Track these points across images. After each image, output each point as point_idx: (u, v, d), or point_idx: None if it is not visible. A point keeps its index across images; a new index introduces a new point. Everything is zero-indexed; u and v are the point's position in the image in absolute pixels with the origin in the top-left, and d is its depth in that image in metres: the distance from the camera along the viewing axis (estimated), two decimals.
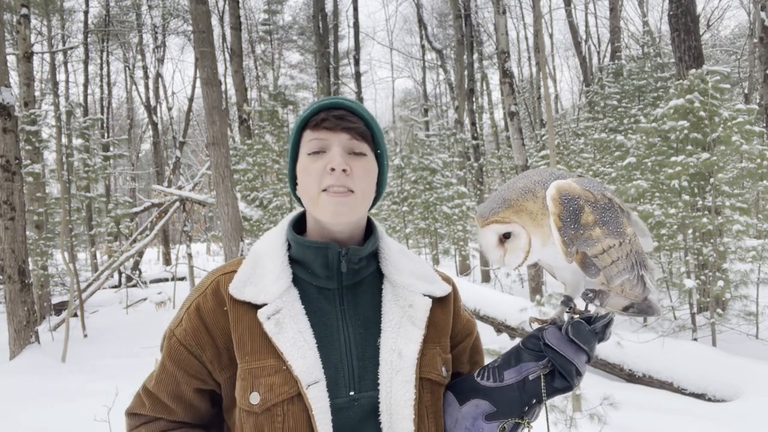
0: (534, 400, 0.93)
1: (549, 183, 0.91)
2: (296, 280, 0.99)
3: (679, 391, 5.19)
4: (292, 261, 1.01)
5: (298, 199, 1.04)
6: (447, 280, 1.12)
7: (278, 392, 0.91)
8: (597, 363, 5.62)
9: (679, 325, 6.70)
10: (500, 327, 6.24)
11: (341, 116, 0.97)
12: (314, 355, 0.92)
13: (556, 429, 3.41)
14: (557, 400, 3.55)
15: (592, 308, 0.95)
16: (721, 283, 6.17)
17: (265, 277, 0.98)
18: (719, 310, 6.41)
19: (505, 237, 0.92)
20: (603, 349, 5.52)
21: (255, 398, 0.91)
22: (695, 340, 6.42)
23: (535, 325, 0.99)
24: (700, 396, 5.10)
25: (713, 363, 5.31)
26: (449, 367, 1.04)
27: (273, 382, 0.91)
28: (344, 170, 0.94)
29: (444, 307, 1.07)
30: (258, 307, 0.95)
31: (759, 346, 6.42)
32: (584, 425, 3.52)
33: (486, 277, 13.77)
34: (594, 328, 0.92)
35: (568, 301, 0.97)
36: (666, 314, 7.35)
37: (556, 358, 0.91)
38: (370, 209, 1.05)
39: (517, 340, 1.02)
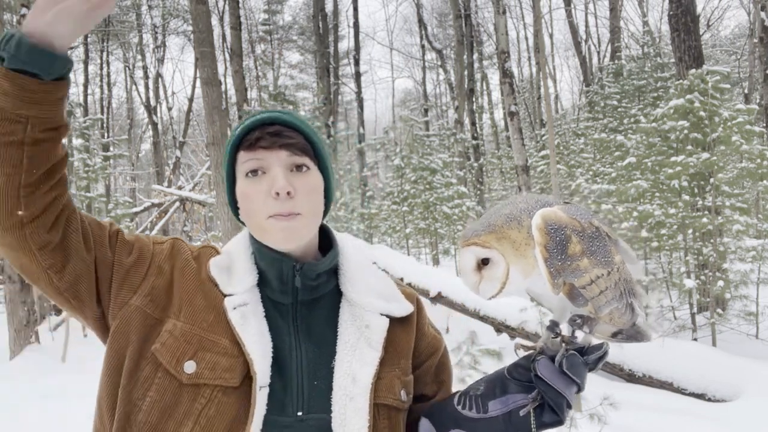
0: None
1: (535, 211, 0.87)
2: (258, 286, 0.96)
3: (679, 391, 5.19)
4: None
5: (242, 223, 0.99)
6: (410, 297, 1.07)
7: (218, 375, 0.85)
8: None
9: (679, 325, 6.70)
10: (500, 327, 6.24)
11: (277, 132, 0.91)
12: (270, 361, 0.88)
13: (556, 429, 3.41)
14: None
15: (580, 334, 0.91)
16: (721, 283, 6.18)
17: (236, 272, 0.95)
18: (719, 310, 6.41)
19: (484, 263, 0.88)
20: None
21: (190, 367, 0.84)
22: (695, 340, 6.42)
23: (521, 352, 0.93)
24: (700, 396, 5.10)
25: (713, 363, 5.31)
26: (410, 389, 0.99)
27: (217, 362, 0.85)
28: (288, 193, 0.90)
29: (406, 326, 1.01)
30: (225, 296, 0.93)
31: (759, 346, 6.42)
32: (584, 425, 3.52)
33: None
34: (587, 360, 0.87)
35: (554, 327, 0.92)
36: (666, 314, 7.35)
37: (547, 391, 0.86)
38: (321, 222, 1.02)
39: (516, 356, 0.97)
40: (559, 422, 0.88)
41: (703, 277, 6.57)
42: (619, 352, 5.46)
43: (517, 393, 0.89)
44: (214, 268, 0.95)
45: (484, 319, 6.29)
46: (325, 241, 1.05)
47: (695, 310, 6.67)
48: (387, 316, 0.98)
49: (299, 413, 0.88)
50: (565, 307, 0.93)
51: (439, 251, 14.07)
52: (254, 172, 0.92)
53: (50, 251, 0.84)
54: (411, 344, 1.02)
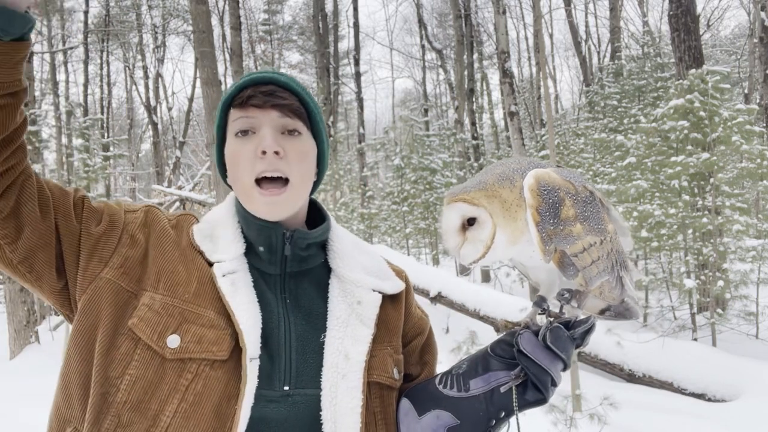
0: (503, 413, 0.84)
1: (527, 172, 0.82)
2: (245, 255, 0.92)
3: (679, 391, 5.19)
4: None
5: (230, 187, 0.94)
6: (400, 274, 1.03)
7: (204, 348, 0.80)
8: (597, 363, 5.62)
9: (679, 325, 6.70)
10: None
11: (270, 92, 0.87)
12: (259, 332, 0.83)
13: (556, 429, 3.41)
14: (557, 399, 3.55)
15: (567, 310, 0.86)
16: (721, 283, 6.18)
17: (222, 239, 0.91)
18: (719, 310, 6.41)
19: (469, 224, 0.82)
20: (603, 349, 5.52)
21: (174, 341, 0.80)
22: (695, 340, 6.42)
23: (505, 330, 0.89)
24: (700, 396, 5.10)
25: (713, 363, 5.31)
26: (401, 368, 0.96)
27: (204, 336, 0.81)
28: (276, 152, 0.86)
29: (396, 304, 0.98)
30: (210, 264, 0.88)
31: (759, 346, 6.42)
32: (584, 425, 3.52)
33: (486, 277, 13.76)
34: (572, 334, 0.83)
35: (541, 302, 0.88)
36: (666, 314, 7.35)
37: (530, 366, 0.81)
38: (312, 193, 0.98)
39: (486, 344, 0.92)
40: (543, 400, 0.83)
41: (703, 277, 6.57)
42: (619, 352, 5.46)
43: (500, 370, 0.84)
44: (198, 234, 0.91)
45: (484, 319, 6.29)
46: (314, 215, 1.02)
47: (695, 310, 6.67)
48: (379, 292, 0.95)
49: (286, 387, 0.84)
50: (553, 281, 0.89)
51: (439, 251, 14.07)
52: (244, 132, 0.88)
53: (1, 220, 0.78)
54: (401, 322, 0.99)
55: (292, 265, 0.92)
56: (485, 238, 0.81)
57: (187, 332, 0.81)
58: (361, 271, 0.96)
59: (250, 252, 0.91)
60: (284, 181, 0.88)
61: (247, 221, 0.91)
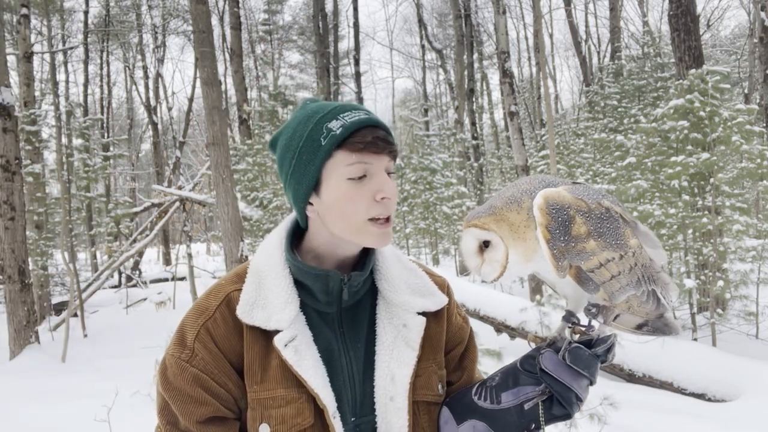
0: (533, 425, 0.88)
1: (537, 192, 0.85)
2: (300, 304, 0.94)
3: (679, 391, 5.19)
4: (295, 282, 0.95)
5: (304, 216, 0.95)
6: (442, 286, 1.06)
7: (291, 424, 0.87)
8: None
9: (679, 325, 6.70)
10: (500, 327, 6.23)
11: (385, 138, 0.89)
12: (329, 384, 0.90)
13: (556, 429, 3.41)
14: None
15: (596, 324, 0.88)
16: (721, 283, 6.18)
17: (273, 299, 0.91)
18: (719, 310, 6.41)
19: (485, 245, 0.87)
20: None
21: (265, 430, 0.87)
22: (695, 340, 6.42)
23: (534, 345, 0.92)
24: (700, 396, 5.10)
25: (713, 363, 5.31)
26: (444, 383, 1.01)
27: (285, 414, 0.87)
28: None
29: (439, 319, 1.02)
30: (267, 332, 0.90)
31: (759, 346, 6.42)
32: (584, 425, 3.52)
33: None
34: (595, 352, 0.85)
35: (569, 317, 0.90)
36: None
37: (553, 385, 0.85)
38: None
39: (516, 356, 0.96)
40: (568, 416, 0.86)
41: (703, 277, 6.57)
42: (619, 352, 5.43)
43: (528, 385, 0.88)
44: (245, 307, 0.91)
45: (484, 319, 6.29)
46: None
47: (695, 310, 6.67)
48: (424, 312, 0.98)
49: (353, 419, 0.91)
50: (580, 296, 0.91)
51: (439, 251, 14.07)
52: (361, 177, 0.88)
53: None
54: (444, 336, 1.02)
55: (348, 301, 0.96)
56: (500, 258, 0.86)
57: (271, 418, 0.87)
58: (406, 291, 0.99)
59: (307, 294, 0.94)
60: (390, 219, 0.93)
61: (301, 271, 0.93)
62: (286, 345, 0.88)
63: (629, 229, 0.87)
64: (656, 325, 0.93)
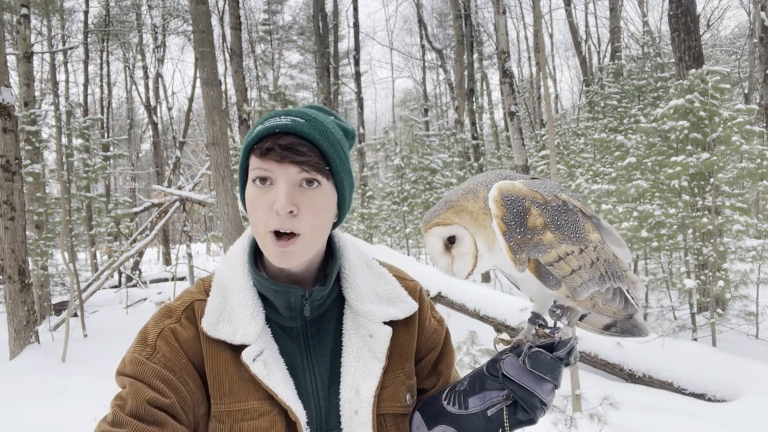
0: (500, 430, 0.87)
1: (493, 184, 0.84)
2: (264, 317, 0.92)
3: (679, 391, 5.19)
4: (259, 294, 0.93)
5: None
6: (414, 291, 1.03)
7: None
8: (597, 363, 5.62)
9: (679, 325, 6.70)
10: (500, 327, 6.23)
11: (289, 146, 0.84)
12: (297, 397, 0.89)
13: (556, 429, 3.41)
14: (557, 399, 3.55)
15: (561, 326, 0.86)
16: (721, 283, 6.18)
17: (239, 313, 0.89)
18: (719, 310, 6.41)
19: (450, 242, 0.84)
20: (603, 349, 5.52)
21: None
22: (695, 340, 6.43)
23: (500, 347, 0.90)
24: (700, 396, 5.10)
25: (713, 363, 5.31)
26: (414, 392, 0.98)
27: (258, 427, 0.86)
28: (291, 211, 0.84)
29: (409, 326, 0.99)
30: (233, 346, 0.88)
31: (759, 346, 6.42)
32: (584, 425, 3.52)
33: (486, 278, 13.77)
34: (557, 355, 0.83)
35: (535, 319, 0.88)
36: (666, 314, 7.35)
37: (516, 390, 0.83)
38: (332, 229, 0.97)
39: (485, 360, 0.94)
40: (532, 421, 0.85)
41: (703, 277, 6.57)
42: (619, 352, 5.46)
43: (493, 390, 0.87)
44: (211, 319, 0.89)
45: (484, 319, 6.29)
46: (332, 244, 1.01)
47: (695, 310, 6.67)
48: (390, 322, 0.96)
49: None
50: (546, 296, 0.89)
51: None
52: (262, 180, 0.86)
53: None
54: (414, 343, 1.00)
55: (311, 316, 0.94)
56: (469, 249, 0.84)
57: (242, 430, 0.86)
58: (374, 299, 0.96)
59: (268, 307, 0.92)
60: (297, 234, 0.87)
61: (263, 286, 0.91)
62: (254, 360, 0.87)
63: (590, 224, 0.86)
64: (625, 326, 0.92)
